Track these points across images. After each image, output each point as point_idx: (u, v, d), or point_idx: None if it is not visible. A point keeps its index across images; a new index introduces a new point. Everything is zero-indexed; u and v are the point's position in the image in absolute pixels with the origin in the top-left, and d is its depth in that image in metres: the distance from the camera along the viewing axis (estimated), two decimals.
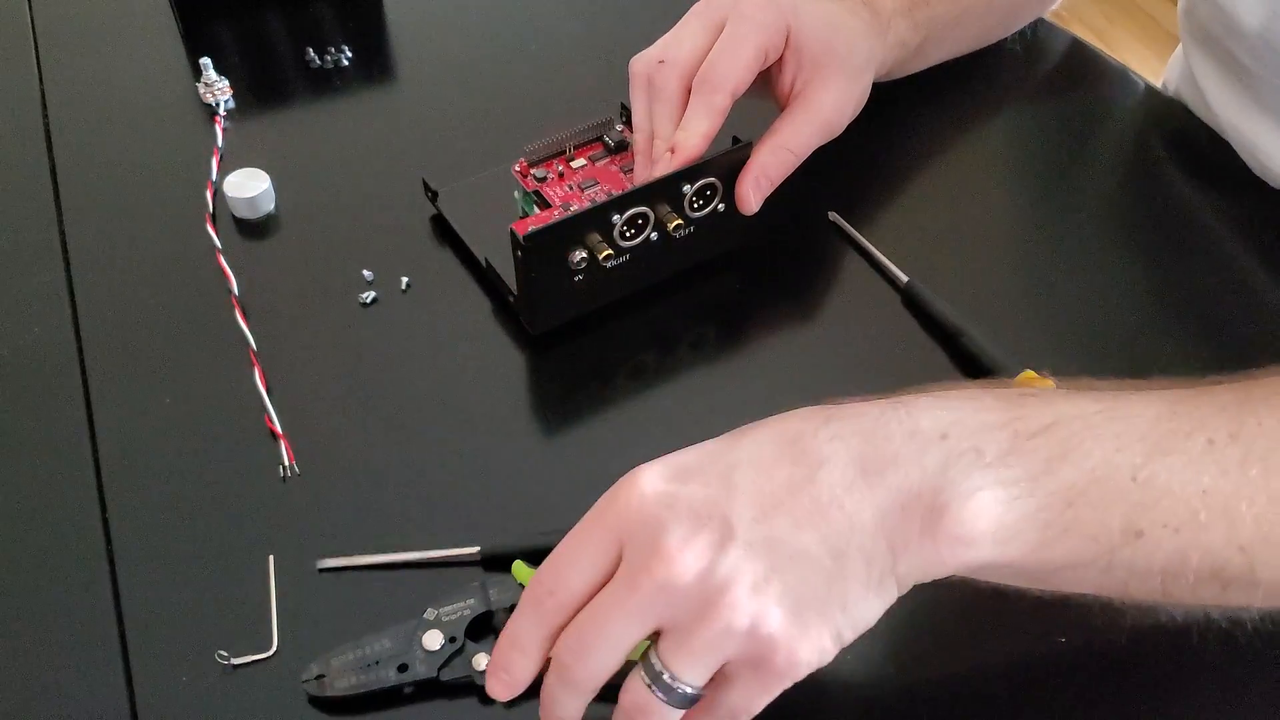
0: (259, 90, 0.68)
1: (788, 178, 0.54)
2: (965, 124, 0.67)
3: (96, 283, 0.56)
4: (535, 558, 0.44)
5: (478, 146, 0.63)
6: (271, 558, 0.45)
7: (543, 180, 0.55)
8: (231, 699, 0.41)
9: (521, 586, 0.40)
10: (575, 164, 0.56)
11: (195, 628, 0.43)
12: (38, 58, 0.70)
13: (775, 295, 0.56)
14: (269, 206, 0.60)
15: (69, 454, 0.49)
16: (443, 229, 0.58)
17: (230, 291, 0.55)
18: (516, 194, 0.56)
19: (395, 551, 0.45)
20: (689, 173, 0.51)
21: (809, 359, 0.53)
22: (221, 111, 0.66)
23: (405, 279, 0.56)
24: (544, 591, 0.35)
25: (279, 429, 0.49)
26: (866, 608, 0.34)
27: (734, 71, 0.52)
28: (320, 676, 0.40)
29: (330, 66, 0.69)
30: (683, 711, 0.35)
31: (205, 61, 0.66)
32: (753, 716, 0.35)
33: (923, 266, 0.55)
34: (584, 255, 0.50)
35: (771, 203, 0.54)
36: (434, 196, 0.58)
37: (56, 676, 0.42)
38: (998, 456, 0.34)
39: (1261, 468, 0.34)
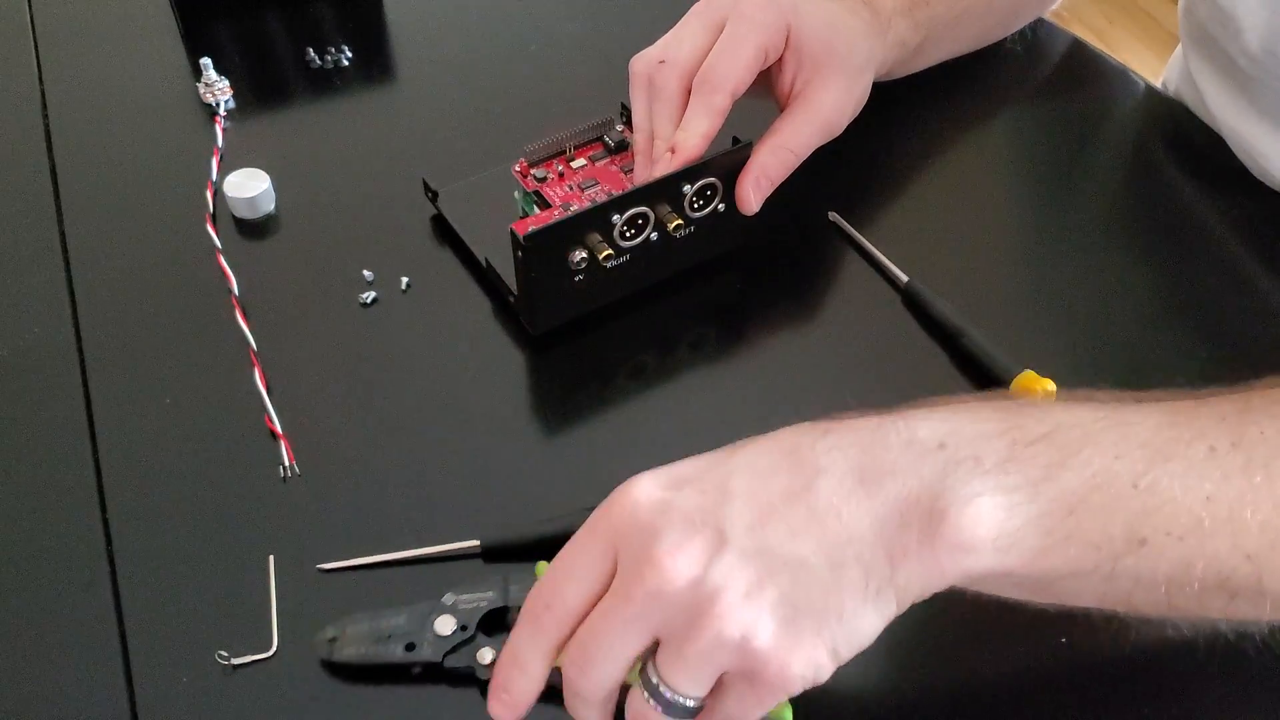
0: (259, 90, 0.68)
1: (788, 178, 0.54)
2: (965, 124, 0.67)
3: (96, 283, 0.56)
4: (536, 548, 0.44)
5: (478, 146, 0.63)
6: (271, 558, 0.45)
7: (543, 180, 0.55)
8: (231, 699, 0.41)
9: None
10: (575, 164, 0.56)
11: (195, 628, 0.43)
12: (38, 58, 0.70)
13: (775, 295, 0.56)
14: (269, 206, 0.60)
15: (69, 454, 0.49)
16: (443, 229, 0.58)
17: (230, 291, 0.55)
18: (516, 194, 0.56)
19: (395, 550, 0.45)
20: (689, 173, 0.51)
21: (809, 359, 0.53)
22: (221, 111, 0.66)
23: (405, 279, 0.56)
24: (541, 606, 0.35)
25: (279, 429, 0.49)
26: (864, 620, 0.33)
27: (734, 71, 0.52)
28: (333, 639, 0.41)
29: (330, 66, 0.69)
30: None
31: (205, 61, 0.66)
32: None
33: (923, 266, 0.55)
34: (584, 255, 0.50)
35: (771, 203, 0.54)
36: (434, 196, 0.58)
37: (56, 676, 0.42)
38: (996, 464, 0.33)
39: (1265, 475, 0.34)
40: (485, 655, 0.41)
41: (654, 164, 0.52)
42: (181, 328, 0.54)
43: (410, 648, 0.41)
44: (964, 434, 0.34)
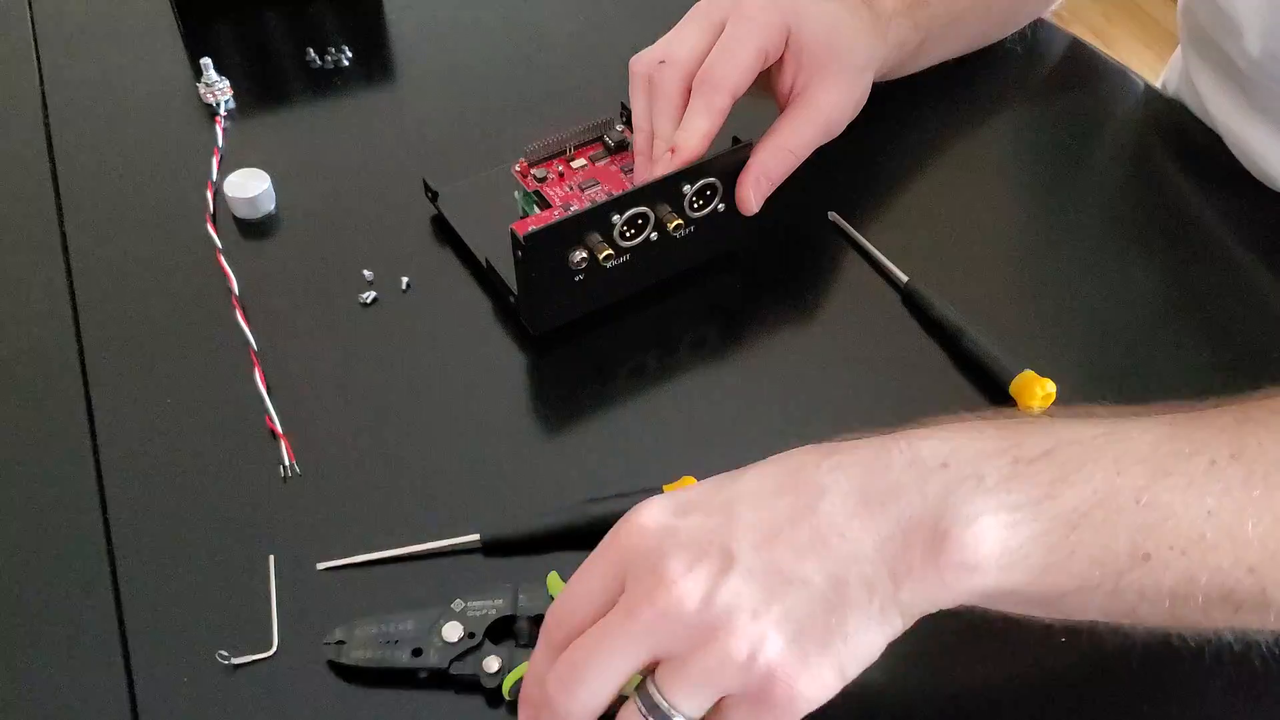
0: (259, 90, 0.68)
1: (788, 178, 0.54)
2: (965, 124, 0.67)
3: (96, 283, 0.56)
4: (537, 543, 0.44)
5: (478, 146, 0.63)
6: (271, 558, 0.45)
7: (543, 180, 0.55)
8: (231, 699, 0.41)
9: (552, 598, 0.40)
10: (575, 164, 0.56)
11: (195, 628, 0.43)
12: (38, 58, 0.70)
13: (775, 295, 0.56)
14: (269, 206, 0.60)
15: (69, 454, 0.49)
16: (443, 229, 0.58)
17: (230, 291, 0.55)
18: (517, 194, 0.56)
19: (395, 548, 0.45)
20: (689, 173, 0.51)
21: (809, 359, 0.53)
22: (222, 111, 0.66)
23: (405, 279, 0.56)
24: (554, 625, 0.35)
25: (279, 429, 0.49)
26: (868, 638, 0.34)
27: (734, 72, 0.52)
28: (341, 643, 0.41)
29: (330, 67, 0.69)
30: None
31: (206, 62, 0.66)
32: None
33: (923, 266, 0.55)
34: (584, 255, 0.50)
35: (771, 203, 0.54)
36: (434, 196, 0.58)
37: (56, 676, 0.42)
38: (999, 482, 0.34)
39: (1264, 488, 0.34)
40: (491, 664, 0.41)
41: (654, 164, 0.52)
42: (182, 328, 0.54)
43: (417, 653, 0.41)
44: (966, 453, 0.34)
